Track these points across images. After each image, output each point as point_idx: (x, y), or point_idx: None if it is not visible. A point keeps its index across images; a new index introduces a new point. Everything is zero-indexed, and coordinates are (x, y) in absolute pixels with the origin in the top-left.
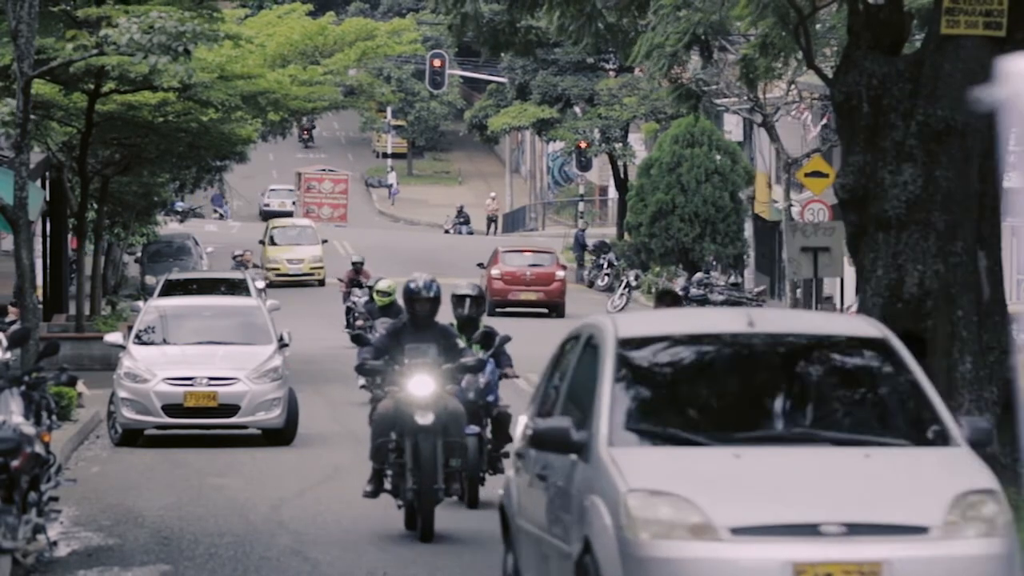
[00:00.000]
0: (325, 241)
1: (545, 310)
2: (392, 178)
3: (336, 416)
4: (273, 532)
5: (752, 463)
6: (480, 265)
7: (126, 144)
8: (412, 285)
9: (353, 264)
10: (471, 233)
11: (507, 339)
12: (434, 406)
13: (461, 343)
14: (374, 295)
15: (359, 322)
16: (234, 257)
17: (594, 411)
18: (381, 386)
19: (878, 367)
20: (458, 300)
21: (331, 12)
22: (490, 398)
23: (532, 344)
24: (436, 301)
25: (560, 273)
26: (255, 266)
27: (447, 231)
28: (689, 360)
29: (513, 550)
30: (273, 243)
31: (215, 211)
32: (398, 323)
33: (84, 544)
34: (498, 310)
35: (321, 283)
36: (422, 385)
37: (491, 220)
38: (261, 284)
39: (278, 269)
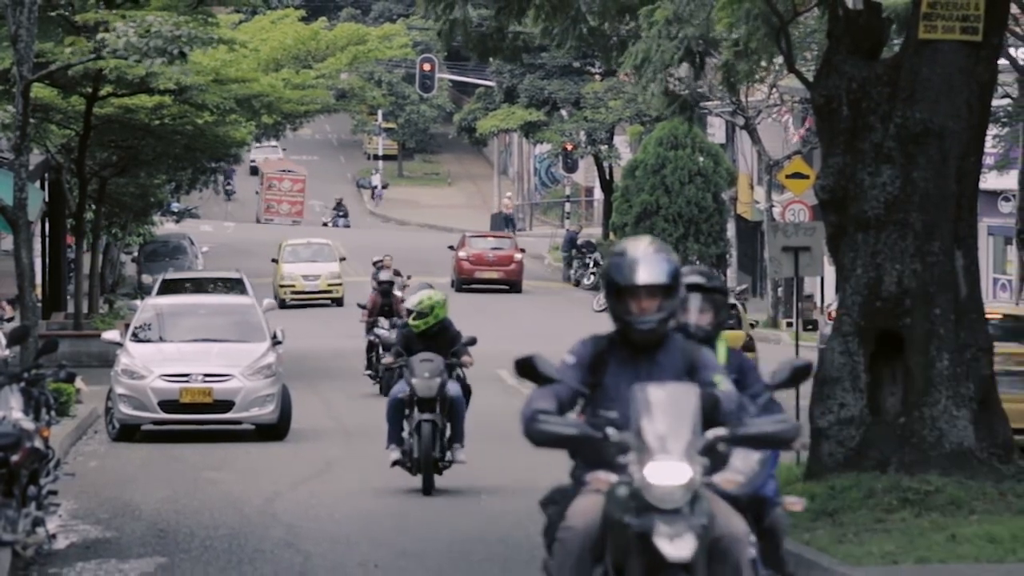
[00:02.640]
0: (343, 259)
1: (505, 287)
2: (376, 180)
3: (329, 412)
4: (267, 525)
5: None
6: (451, 247)
7: (123, 146)
8: (626, 255)
9: (379, 284)
10: (347, 226)
11: (802, 373)
12: (693, 519)
13: (724, 379)
14: (410, 321)
15: (387, 359)
16: (375, 263)
17: None
18: (576, 472)
19: None
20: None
21: (323, 17)
22: (767, 491)
23: (501, 318)
24: (674, 291)
25: (518, 256)
26: (396, 274)
27: (325, 223)
28: None
29: None
30: (287, 260)
31: (227, 183)
32: (600, 341)
33: (82, 537)
34: (464, 287)
35: (339, 302)
36: (669, 473)
37: (508, 219)
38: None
39: (293, 287)
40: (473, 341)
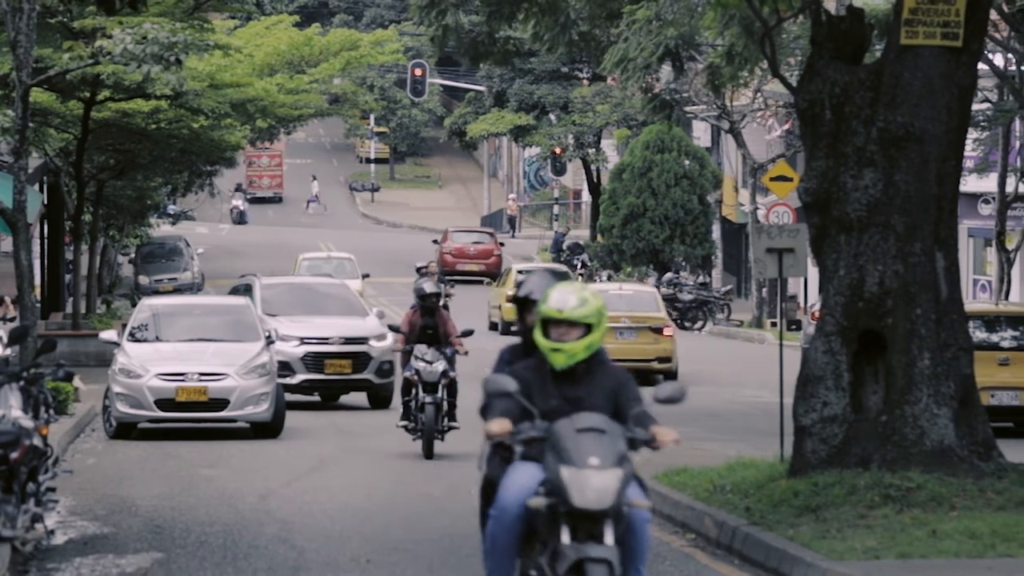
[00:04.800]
0: (367, 275)
1: (485, 279)
2: (315, 187)
3: (322, 410)
4: (261, 521)
5: None
6: (435, 241)
7: (120, 150)
8: None
9: (420, 298)
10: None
11: None
12: None
13: None
14: (548, 345)
15: (498, 426)
16: (418, 269)
17: None
18: None
19: None
20: None
21: (317, 23)
22: None
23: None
24: None
25: (497, 251)
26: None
27: (239, 214)
28: None
29: None
30: (303, 276)
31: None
32: None
33: (80, 532)
34: (447, 278)
35: None
36: None
37: (511, 220)
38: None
39: None
40: (676, 396)
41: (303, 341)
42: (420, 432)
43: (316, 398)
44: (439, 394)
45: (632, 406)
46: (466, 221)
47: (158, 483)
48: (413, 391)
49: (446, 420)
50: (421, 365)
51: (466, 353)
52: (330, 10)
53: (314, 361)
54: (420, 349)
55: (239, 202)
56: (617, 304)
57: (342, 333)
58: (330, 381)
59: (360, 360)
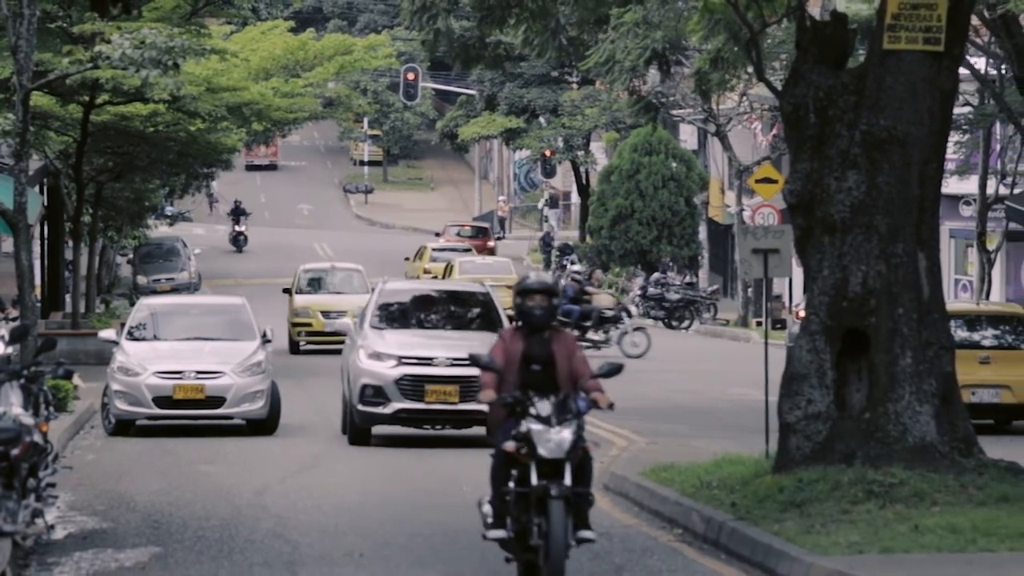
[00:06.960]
0: None
1: None
2: (215, 187)
3: (317, 408)
4: (257, 516)
5: None
6: (437, 234)
7: (119, 152)
8: None
9: (522, 296)
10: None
11: None
12: None
13: None
14: None
15: None
16: (561, 262)
17: None
18: None
19: None
20: None
21: (311, 28)
22: None
23: None
24: None
25: (490, 243)
26: (598, 286)
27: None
28: None
29: None
30: (303, 291)
31: (208, 189)
32: None
33: (80, 527)
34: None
35: None
36: None
37: (502, 221)
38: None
39: (308, 325)
40: None
41: (401, 361)
42: (532, 550)
43: (428, 430)
44: (566, 481)
45: None
46: (497, 219)
47: (156, 479)
48: (515, 474)
49: (573, 526)
50: (536, 428)
51: (610, 407)
52: (324, 15)
53: (412, 386)
54: (534, 402)
55: (242, 227)
56: (482, 269)
57: (450, 352)
58: (431, 412)
59: (471, 386)
